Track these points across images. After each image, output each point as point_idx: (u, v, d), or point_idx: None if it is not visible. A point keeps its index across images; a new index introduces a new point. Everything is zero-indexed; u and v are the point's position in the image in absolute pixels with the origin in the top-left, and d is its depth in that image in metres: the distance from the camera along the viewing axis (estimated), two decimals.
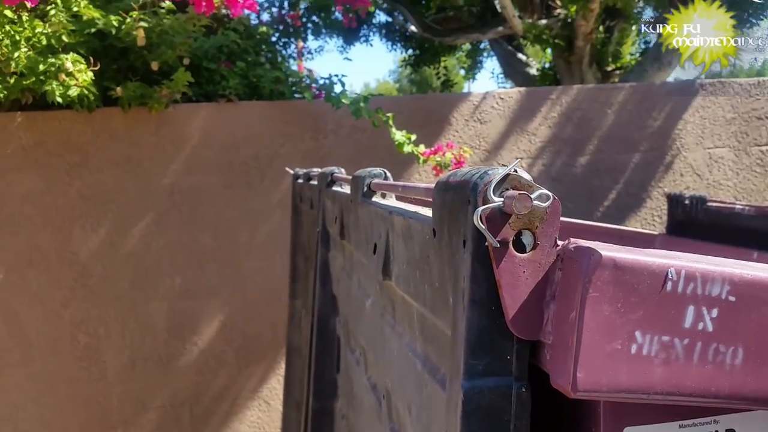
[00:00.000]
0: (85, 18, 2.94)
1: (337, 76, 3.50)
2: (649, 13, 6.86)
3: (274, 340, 3.32)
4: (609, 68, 6.63)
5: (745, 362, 0.51)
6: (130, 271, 3.25)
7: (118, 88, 3.07)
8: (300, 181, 2.67)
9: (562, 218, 0.52)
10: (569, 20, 5.74)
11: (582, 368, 0.48)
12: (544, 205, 0.49)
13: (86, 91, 2.90)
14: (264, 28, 4.52)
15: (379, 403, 1.07)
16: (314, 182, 2.10)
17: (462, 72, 10.21)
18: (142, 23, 2.97)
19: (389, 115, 3.17)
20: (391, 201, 1.02)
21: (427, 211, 0.73)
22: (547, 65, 7.21)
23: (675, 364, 0.50)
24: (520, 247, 0.51)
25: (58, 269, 3.17)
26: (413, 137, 3.15)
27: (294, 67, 5.59)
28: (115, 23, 2.95)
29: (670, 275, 0.49)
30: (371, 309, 1.07)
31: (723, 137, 3.64)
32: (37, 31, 2.84)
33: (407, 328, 0.84)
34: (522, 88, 3.77)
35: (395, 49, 7.90)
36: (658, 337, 0.50)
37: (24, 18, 2.81)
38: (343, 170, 1.64)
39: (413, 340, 0.81)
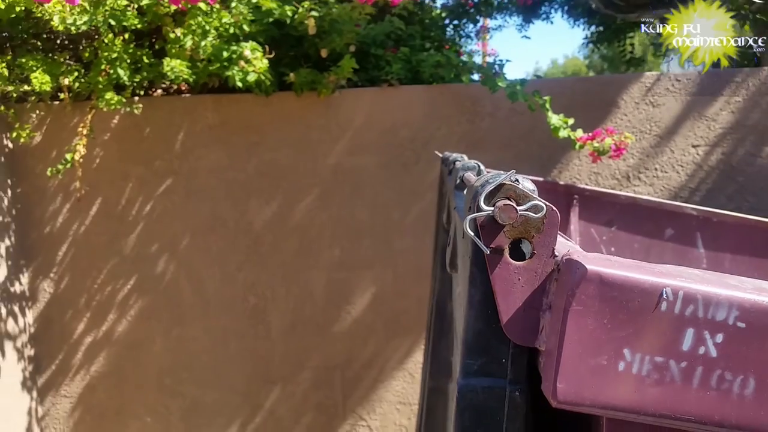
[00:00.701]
0: (263, 8, 3.23)
1: (500, 60, 3.47)
2: None
3: (421, 315, 3.42)
4: None
5: (757, 393, 0.48)
6: (295, 242, 3.54)
7: (292, 74, 3.33)
8: (445, 165, 2.72)
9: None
10: None
11: (562, 379, 0.48)
12: (536, 216, 0.49)
13: (263, 77, 3.20)
14: (436, 12, 4.59)
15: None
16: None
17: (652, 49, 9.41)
18: (313, 12, 3.19)
19: (546, 98, 3.07)
20: None
21: None
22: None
23: (670, 386, 0.48)
24: (518, 255, 0.52)
25: (235, 236, 3.56)
26: (570, 121, 3.03)
27: (474, 47, 5.59)
28: (289, 13, 3.20)
29: (665, 295, 0.48)
30: (457, 299, 1.10)
31: None
32: (223, 21, 3.18)
33: (461, 321, 0.87)
34: (702, 71, 3.42)
35: (578, 26, 7.53)
36: (650, 356, 0.48)
37: (214, 8, 3.16)
38: (465, 157, 1.66)
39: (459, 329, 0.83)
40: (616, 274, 0.47)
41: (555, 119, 3.01)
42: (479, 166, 1.10)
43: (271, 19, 3.25)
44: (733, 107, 3.22)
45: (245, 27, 3.17)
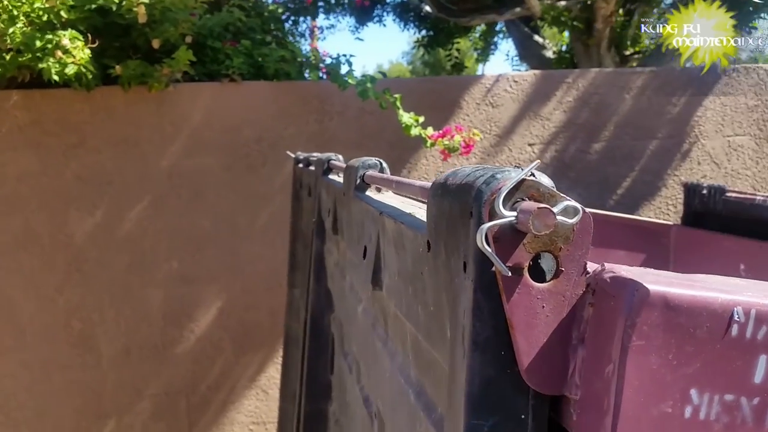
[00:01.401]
0: None
1: (344, 56, 3.36)
2: None
3: (274, 328, 3.22)
4: (628, 52, 6.42)
5: None
6: (126, 256, 3.15)
7: (118, 67, 2.95)
8: (300, 165, 2.56)
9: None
10: (589, 2, 5.54)
11: None
12: (570, 221, 0.36)
13: (84, 69, 2.79)
14: (273, 6, 4.38)
15: (371, 419, 0.96)
16: (312, 168, 1.98)
17: (475, 54, 9.99)
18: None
19: (396, 96, 3.03)
20: (388, 196, 0.90)
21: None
22: (564, 48, 7.01)
23: (741, 430, 0.38)
24: (538, 275, 0.39)
25: (53, 253, 3.08)
26: (421, 119, 3.01)
27: (305, 47, 5.44)
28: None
29: (736, 316, 0.37)
30: (363, 316, 0.95)
31: (744, 125, 3.47)
32: (35, 5, 2.72)
33: (400, 348, 0.73)
34: (536, 71, 3.62)
35: (408, 30, 7.71)
36: (719, 396, 0.38)
37: None
38: (341, 157, 1.52)
39: (406, 365, 0.69)
40: (684, 294, 0.36)
41: (406, 118, 2.98)
42: (381, 164, 0.96)
43: (94, 6, 2.84)
44: (565, 107, 3.42)
45: (63, 14, 2.74)
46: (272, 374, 3.28)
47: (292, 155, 2.77)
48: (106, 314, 3.14)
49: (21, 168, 3.02)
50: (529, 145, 3.50)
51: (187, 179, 3.17)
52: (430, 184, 0.51)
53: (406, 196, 0.87)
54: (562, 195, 0.37)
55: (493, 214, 0.38)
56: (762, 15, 4.34)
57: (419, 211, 0.65)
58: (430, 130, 3.00)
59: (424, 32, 7.48)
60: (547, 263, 0.39)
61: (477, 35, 8.35)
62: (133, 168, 3.13)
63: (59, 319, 3.09)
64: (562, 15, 5.53)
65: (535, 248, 0.38)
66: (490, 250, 0.37)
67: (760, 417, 0.38)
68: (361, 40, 6.33)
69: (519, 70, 8.67)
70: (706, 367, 0.37)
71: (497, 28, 7.82)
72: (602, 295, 0.38)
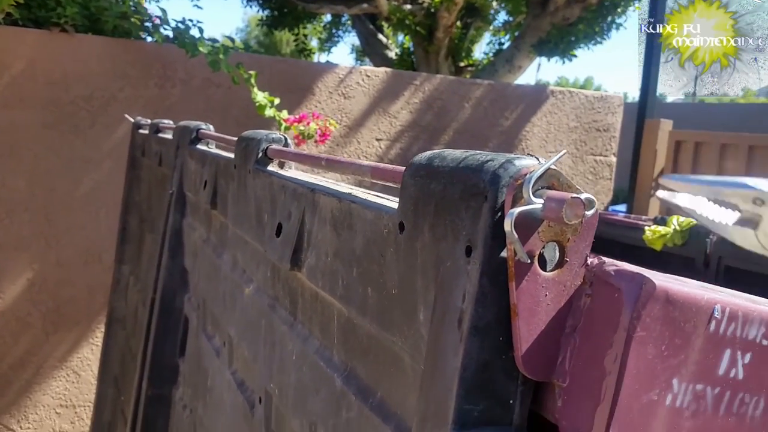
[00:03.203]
0: None
1: (192, 21, 3.16)
2: (503, 17, 7.19)
3: (91, 306, 2.94)
4: (462, 64, 6.85)
5: (764, 414, 0.45)
6: None
7: None
8: (143, 131, 2.35)
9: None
10: (432, 10, 5.81)
11: (617, 425, 0.38)
12: (590, 213, 0.38)
13: None
14: None
15: (250, 405, 0.92)
16: (167, 136, 1.83)
17: (315, 43, 9.97)
18: None
19: (252, 73, 2.92)
20: (294, 173, 0.86)
21: (362, 194, 0.59)
22: (404, 51, 7.27)
23: (702, 417, 0.42)
24: (540, 264, 0.40)
25: None
26: (276, 101, 2.93)
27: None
28: None
29: (716, 313, 0.41)
30: (254, 297, 0.90)
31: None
32: None
33: (318, 333, 0.70)
34: (388, 69, 3.71)
35: (251, 6, 7.46)
36: (692, 385, 0.42)
37: None
38: (211, 126, 1.42)
39: (328, 349, 0.67)
40: (680, 290, 0.39)
41: (260, 97, 2.88)
42: (285, 139, 0.91)
43: None
44: (411, 107, 3.55)
45: None
46: (86, 355, 2.99)
47: (131, 119, 2.55)
48: None
49: None
50: (377, 140, 3.57)
51: (2, 133, 2.77)
52: (407, 166, 0.50)
53: (314, 174, 0.84)
54: (578, 188, 0.38)
55: (516, 200, 0.38)
56: None
57: (357, 191, 0.63)
58: (285, 114, 2.94)
59: (267, 12, 7.29)
60: (550, 253, 0.40)
61: (322, 25, 8.35)
62: None
63: None
64: (407, 18, 5.73)
65: (547, 237, 0.39)
66: (516, 236, 0.37)
67: (717, 406, 0.42)
68: (200, 8, 5.99)
69: (363, 65, 8.82)
70: (687, 358, 0.40)
71: (343, 20, 7.89)
72: (603, 286, 0.40)
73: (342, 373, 0.61)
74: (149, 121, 2.27)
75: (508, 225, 0.37)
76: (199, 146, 1.40)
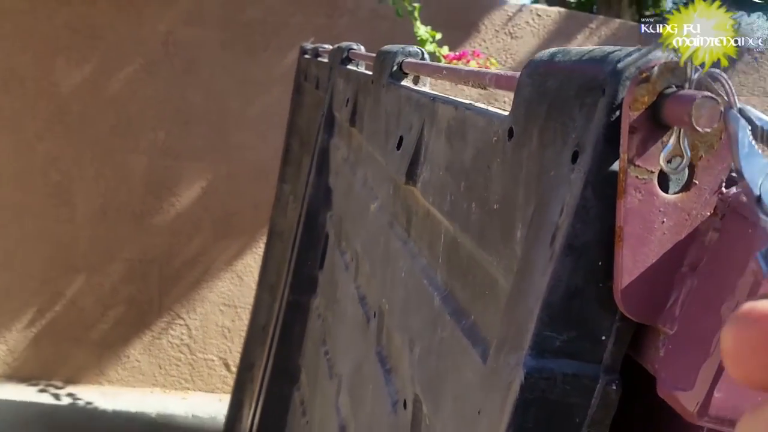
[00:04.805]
0: None
1: None
2: None
3: (255, 219, 3.16)
4: (647, 13, 6.23)
5: None
6: (111, 116, 3.02)
7: None
8: (307, 56, 2.42)
9: None
10: None
11: (723, 385, 0.31)
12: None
13: None
14: None
15: (366, 318, 0.93)
16: (323, 59, 1.87)
17: None
18: None
19: (416, 5, 2.85)
20: (427, 89, 0.82)
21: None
22: None
23: None
24: (661, 184, 0.33)
25: (35, 99, 2.94)
26: (438, 36, 2.85)
27: None
28: None
29: None
30: (377, 214, 0.90)
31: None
32: None
33: (426, 250, 0.68)
34: (562, 9, 3.45)
35: None
36: None
37: None
38: (362, 47, 1.42)
39: (433, 267, 0.64)
40: None
41: (422, 31, 2.81)
42: (422, 53, 0.88)
43: None
44: None
45: None
46: (249, 262, 3.25)
47: (308, 46, 2.62)
48: (86, 171, 3.04)
49: (8, 3, 2.82)
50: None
51: (183, 48, 3.00)
52: (524, 66, 0.44)
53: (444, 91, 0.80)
54: (731, 90, 0.30)
55: (639, 98, 0.31)
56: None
57: (476, 104, 0.58)
58: (445, 50, 2.85)
59: None
60: (675, 171, 0.33)
61: None
62: (127, 27, 2.95)
63: (37, 167, 3.00)
64: None
65: (674, 151, 0.32)
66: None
67: None
68: None
69: (535, 2, 8.32)
70: None
71: None
72: (736, 221, 0.32)
73: (441, 293, 0.59)
74: (310, 45, 2.33)
75: (625, 122, 0.30)
76: (350, 66, 1.40)
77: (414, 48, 0.87)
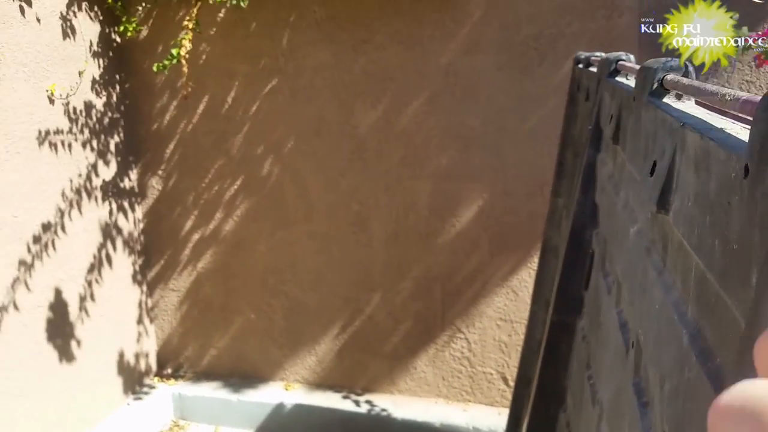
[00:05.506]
0: None
1: None
2: None
3: (530, 233, 3.19)
4: None
5: None
6: (401, 148, 3.35)
7: None
8: (581, 66, 2.38)
9: None
10: None
11: None
12: None
13: None
14: None
15: (626, 347, 0.90)
16: (594, 69, 1.82)
17: None
18: None
19: None
20: (690, 106, 0.77)
21: (744, 133, 0.50)
22: None
23: None
24: None
25: (340, 140, 3.41)
26: (735, 15, 2.53)
27: None
28: None
29: None
30: (635, 238, 0.86)
31: None
32: None
33: (679, 283, 0.64)
34: None
35: None
36: None
37: None
38: (632, 57, 1.36)
39: (684, 302, 0.61)
40: None
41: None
42: (687, 67, 0.82)
43: None
44: None
45: None
46: (524, 277, 3.30)
47: (583, 56, 2.58)
48: (380, 200, 3.43)
49: (318, 61, 3.34)
50: None
51: (462, 78, 3.19)
52: (763, 96, 0.41)
53: (714, 109, 0.74)
54: None
55: None
56: None
57: (734, 127, 0.54)
58: (745, 30, 2.52)
59: None
60: None
61: None
62: (414, 64, 3.24)
63: (341, 200, 3.47)
64: None
65: None
66: None
67: None
68: None
69: None
70: None
71: None
72: None
73: (691, 330, 0.55)
74: (584, 54, 2.28)
75: None
76: (618, 78, 1.36)
77: (676, 62, 0.82)
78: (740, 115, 0.49)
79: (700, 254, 0.53)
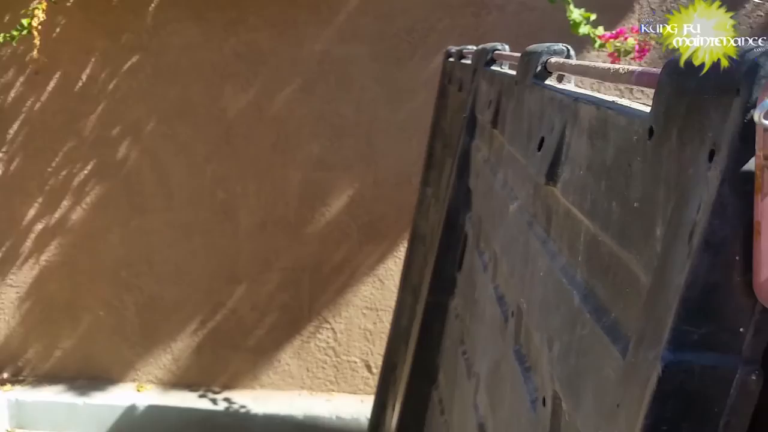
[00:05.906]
0: None
1: None
2: None
3: (398, 222, 3.26)
4: None
5: None
6: (272, 135, 3.27)
7: None
8: (451, 59, 2.47)
9: None
10: None
11: None
12: None
13: None
14: None
15: (504, 318, 0.94)
16: (467, 61, 1.90)
17: None
18: None
19: None
20: (570, 87, 0.82)
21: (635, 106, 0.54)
22: None
23: None
24: None
25: (206, 124, 3.26)
26: (592, 17, 2.75)
27: None
28: None
29: None
30: (516, 214, 0.91)
31: None
32: None
33: (566, 250, 0.68)
34: None
35: None
36: None
37: None
38: (507, 46, 1.43)
39: (572, 266, 0.65)
40: None
41: (576, 14, 2.73)
42: (568, 50, 0.88)
43: None
44: None
45: None
46: (390, 266, 3.36)
47: (453, 50, 2.66)
48: (248, 188, 3.32)
49: (185, 39, 3.16)
50: None
51: (337, 66, 3.18)
52: (664, 65, 0.45)
53: (591, 88, 0.79)
54: None
55: None
56: None
57: (622, 100, 0.58)
58: (600, 30, 2.75)
59: None
60: None
61: None
62: (287, 49, 3.17)
63: (206, 186, 3.32)
64: None
65: None
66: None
67: None
68: None
69: None
70: None
71: None
72: None
73: (581, 291, 0.59)
74: (455, 48, 2.37)
75: (757, 117, 0.30)
76: (494, 67, 1.42)
77: (559, 46, 0.87)
78: (633, 87, 0.52)
79: (594, 218, 0.56)
